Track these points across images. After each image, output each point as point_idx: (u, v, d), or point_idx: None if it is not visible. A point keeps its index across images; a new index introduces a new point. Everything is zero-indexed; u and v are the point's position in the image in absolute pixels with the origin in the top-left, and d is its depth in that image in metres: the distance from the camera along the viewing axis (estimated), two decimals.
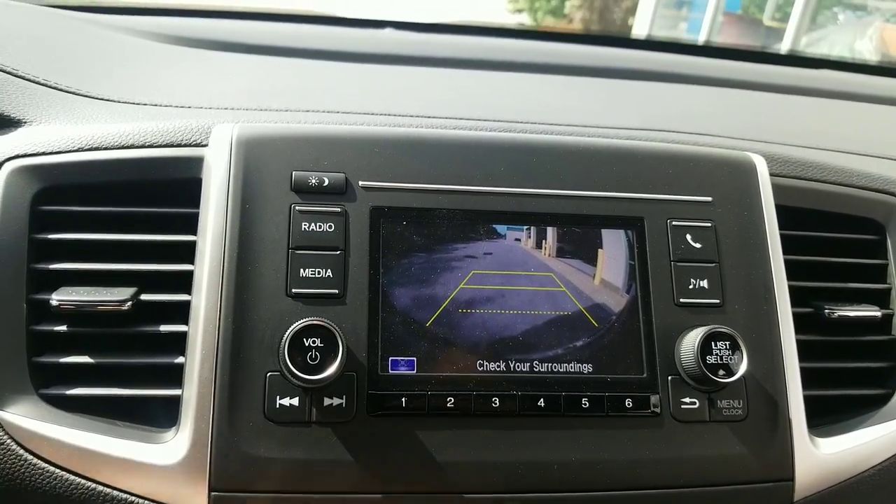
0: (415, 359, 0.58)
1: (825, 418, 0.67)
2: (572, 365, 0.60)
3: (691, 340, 0.60)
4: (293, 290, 0.58)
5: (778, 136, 0.85)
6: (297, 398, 0.56)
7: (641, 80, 1.10)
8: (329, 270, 0.59)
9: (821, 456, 0.63)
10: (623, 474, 0.59)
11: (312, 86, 0.91)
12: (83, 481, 0.55)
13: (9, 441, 0.55)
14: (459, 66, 1.07)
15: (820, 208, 0.72)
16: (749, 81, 1.18)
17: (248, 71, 0.95)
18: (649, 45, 1.33)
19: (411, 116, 0.74)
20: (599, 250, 0.63)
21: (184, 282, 0.60)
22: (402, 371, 0.58)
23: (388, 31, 1.24)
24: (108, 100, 0.71)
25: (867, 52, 3.37)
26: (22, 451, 0.55)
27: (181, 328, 0.59)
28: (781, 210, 0.68)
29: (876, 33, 3.39)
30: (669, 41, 1.53)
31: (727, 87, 1.16)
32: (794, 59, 1.49)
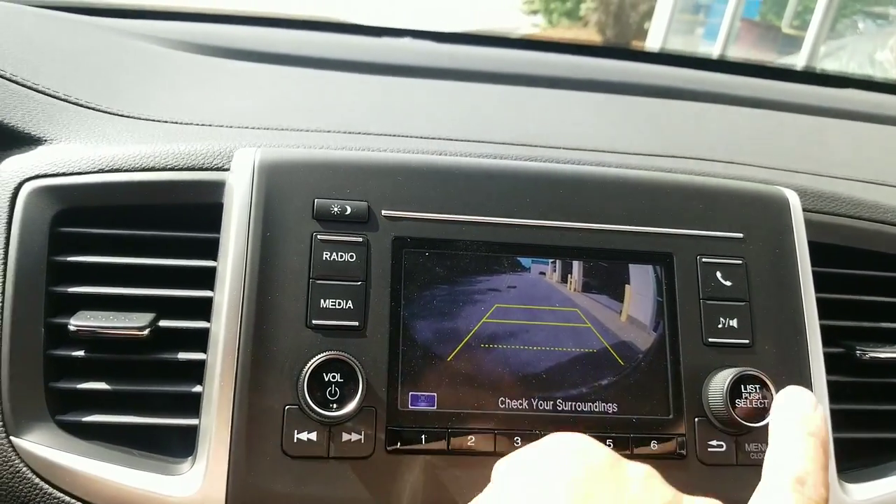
0: (435, 394, 0.57)
1: (855, 462, 0.65)
2: (597, 404, 0.59)
3: (720, 383, 0.59)
4: (313, 322, 0.57)
5: (806, 164, 0.83)
6: (315, 433, 0.55)
7: (665, 98, 1.08)
8: (350, 302, 0.57)
9: (849, 501, 0.61)
10: None
11: (334, 100, 0.90)
12: None
13: (25, 469, 0.54)
14: (479, 80, 1.06)
15: (852, 245, 0.70)
16: (772, 101, 1.16)
17: (269, 83, 0.94)
18: (674, 60, 1.31)
19: (433, 139, 0.73)
20: (626, 286, 0.61)
21: (203, 308, 0.59)
22: (423, 407, 0.57)
23: (407, 40, 1.22)
24: (128, 116, 0.70)
25: (888, 62, 3.33)
26: (38, 480, 0.54)
27: (199, 356, 0.58)
28: (811, 246, 0.67)
29: None
30: (692, 56, 1.51)
31: (749, 105, 1.14)
32: (818, 77, 1.46)
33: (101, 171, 0.60)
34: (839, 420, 0.63)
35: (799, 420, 0.49)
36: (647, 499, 0.43)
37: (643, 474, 0.46)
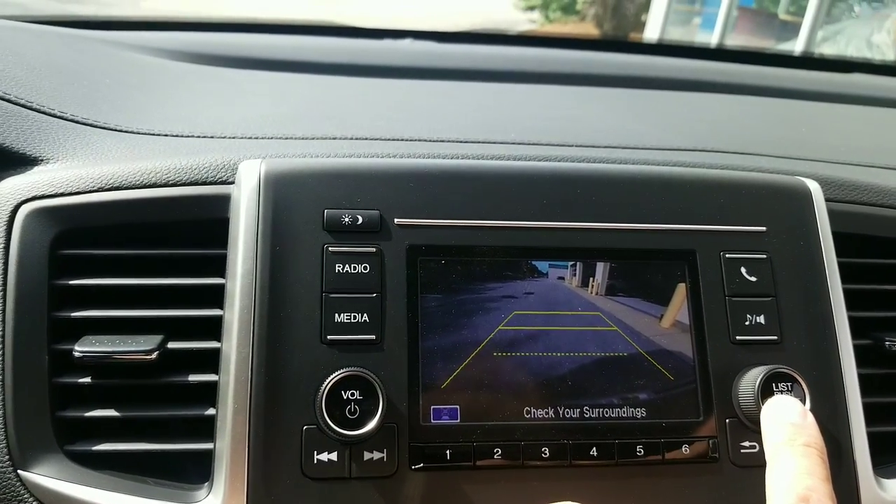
0: (458, 407, 0.55)
1: (890, 457, 0.63)
2: (625, 410, 0.57)
3: (750, 381, 0.57)
4: (328, 337, 0.54)
5: (821, 152, 0.81)
6: (335, 453, 0.53)
7: (671, 90, 1.06)
8: (365, 315, 0.55)
9: (888, 499, 0.59)
10: None
11: (337, 105, 0.88)
12: None
13: None
14: (484, 79, 1.04)
15: (876, 234, 0.68)
16: (777, 88, 1.15)
17: (269, 90, 0.92)
18: (676, 51, 1.29)
19: (442, 142, 0.71)
20: (650, 286, 0.59)
21: (213, 328, 0.57)
22: (446, 421, 0.55)
23: (408, 41, 1.21)
24: (126, 131, 0.68)
25: (885, 45, 3.31)
26: None
27: (211, 378, 0.56)
28: (835, 237, 0.64)
29: (894, 26, 3.33)
30: (693, 46, 1.50)
31: (755, 94, 1.13)
32: (823, 63, 1.44)
33: (101, 189, 0.58)
34: (871, 414, 0.61)
35: (791, 433, 0.48)
36: None
37: None
